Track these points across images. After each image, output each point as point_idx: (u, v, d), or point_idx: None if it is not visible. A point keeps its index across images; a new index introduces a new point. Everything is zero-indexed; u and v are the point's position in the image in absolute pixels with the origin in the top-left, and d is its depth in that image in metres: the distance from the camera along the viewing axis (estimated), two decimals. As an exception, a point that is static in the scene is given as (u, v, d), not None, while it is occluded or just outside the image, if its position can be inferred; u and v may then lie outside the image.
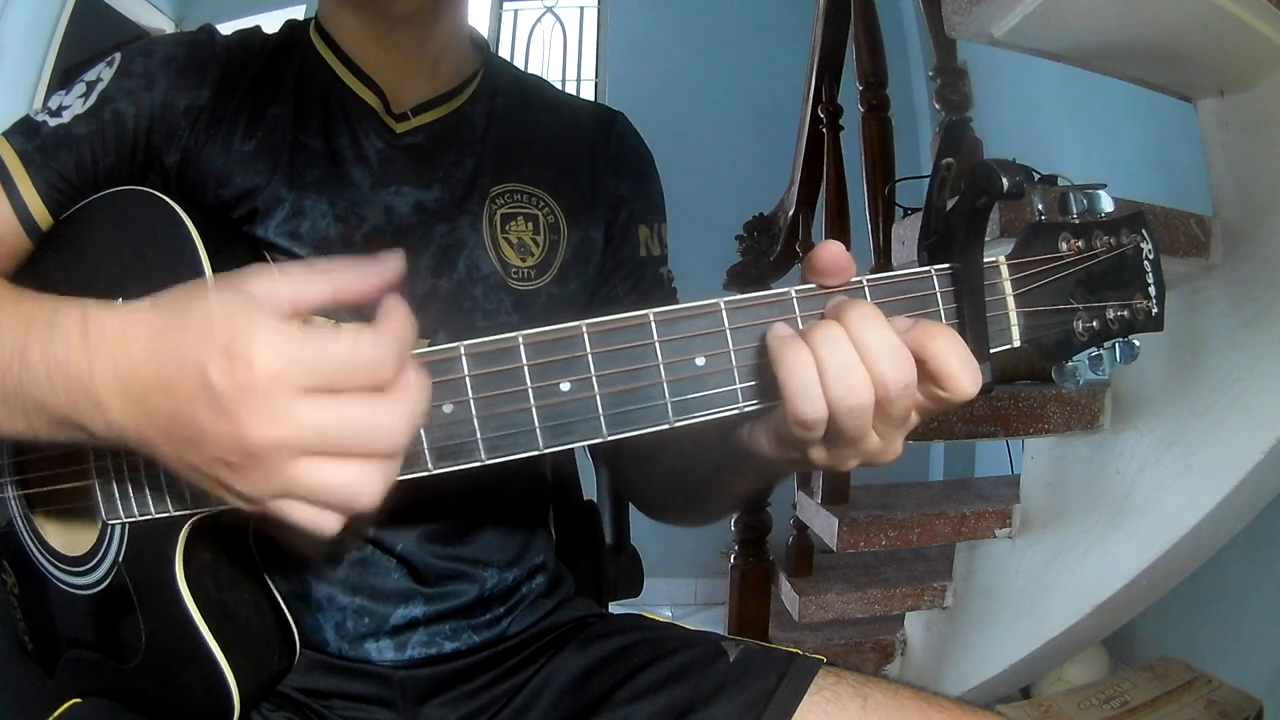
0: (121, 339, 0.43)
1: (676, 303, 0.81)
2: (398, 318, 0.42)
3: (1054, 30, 1.19)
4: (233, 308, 0.40)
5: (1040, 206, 0.51)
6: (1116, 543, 1.47)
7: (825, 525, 1.67)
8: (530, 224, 0.75)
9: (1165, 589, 1.55)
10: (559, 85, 0.86)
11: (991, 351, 0.49)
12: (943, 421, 1.51)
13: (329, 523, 0.42)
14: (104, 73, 0.68)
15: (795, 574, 1.84)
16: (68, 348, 0.45)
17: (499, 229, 0.73)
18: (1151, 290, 0.52)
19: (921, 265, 0.50)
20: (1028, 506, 1.66)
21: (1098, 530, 1.50)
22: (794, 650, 0.69)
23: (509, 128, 0.77)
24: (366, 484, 0.41)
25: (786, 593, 1.83)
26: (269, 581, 0.65)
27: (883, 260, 1.70)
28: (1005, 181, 0.45)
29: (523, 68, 0.86)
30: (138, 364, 0.42)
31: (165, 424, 0.42)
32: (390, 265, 0.44)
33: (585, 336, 0.47)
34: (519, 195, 0.75)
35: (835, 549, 1.67)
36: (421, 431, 0.47)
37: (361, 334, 0.40)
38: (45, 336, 0.46)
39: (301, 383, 0.40)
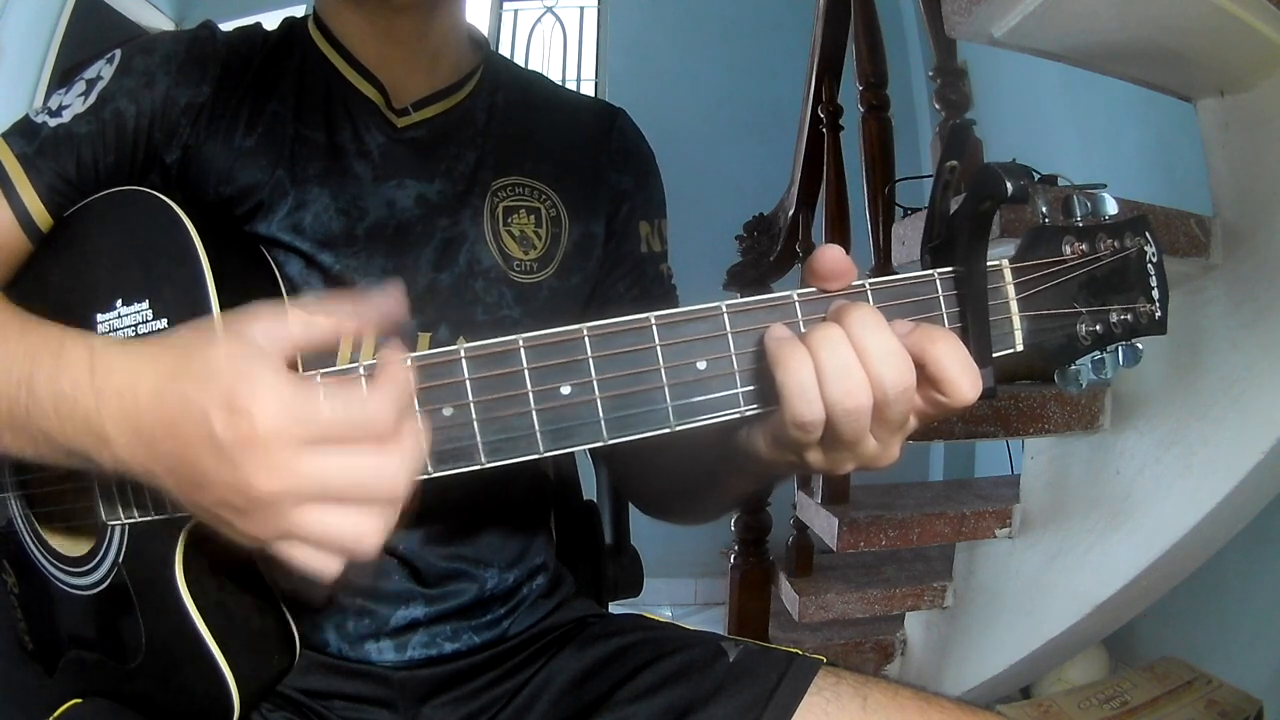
0: (129, 379, 0.45)
1: (676, 300, 0.82)
2: (395, 371, 0.44)
3: (1054, 30, 1.19)
4: (237, 359, 0.42)
5: (1044, 209, 0.51)
6: (1116, 543, 1.47)
7: (825, 525, 1.67)
8: (532, 217, 0.75)
9: (1165, 589, 1.55)
10: (561, 85, 0.86)
11: (994, 355, 0.49)
12: (943, 422, 1.50)
13: (330, 566, 0.44)
14: (104, 71, 0.68)
15: (795, 574, 1.84)
16: (75, 384, 0.46)
17: (500, 222, 0.73)
18: (1155, 293, 0.51)
19: (924, 268, 0.50)
20: (1028, 506, 1.65)
21: (1098, 530, 1.50)
22: (794, 650, 0.69)
23: (510, 122, 0.77)
24: (366, 531, 0.43)
25: (786, 593, 1.83)
26: (269, 582, 0.65)
27: (883, 260, 1.70)
28: (1009, 186, 0.45)
29: (524, 66, 0.86)
30: (145, 406, 0.44)
31: (172, 465, 0.44)
32: (389, 298, 0.45)
33: (586, 340, 0.47)
34: (521, 188, 0.75)
35: (835, 549, 1.67)
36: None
37: (360, 391, 0.43)
38: (52, 370, 0.47)
39: (302, 437, 0.41)
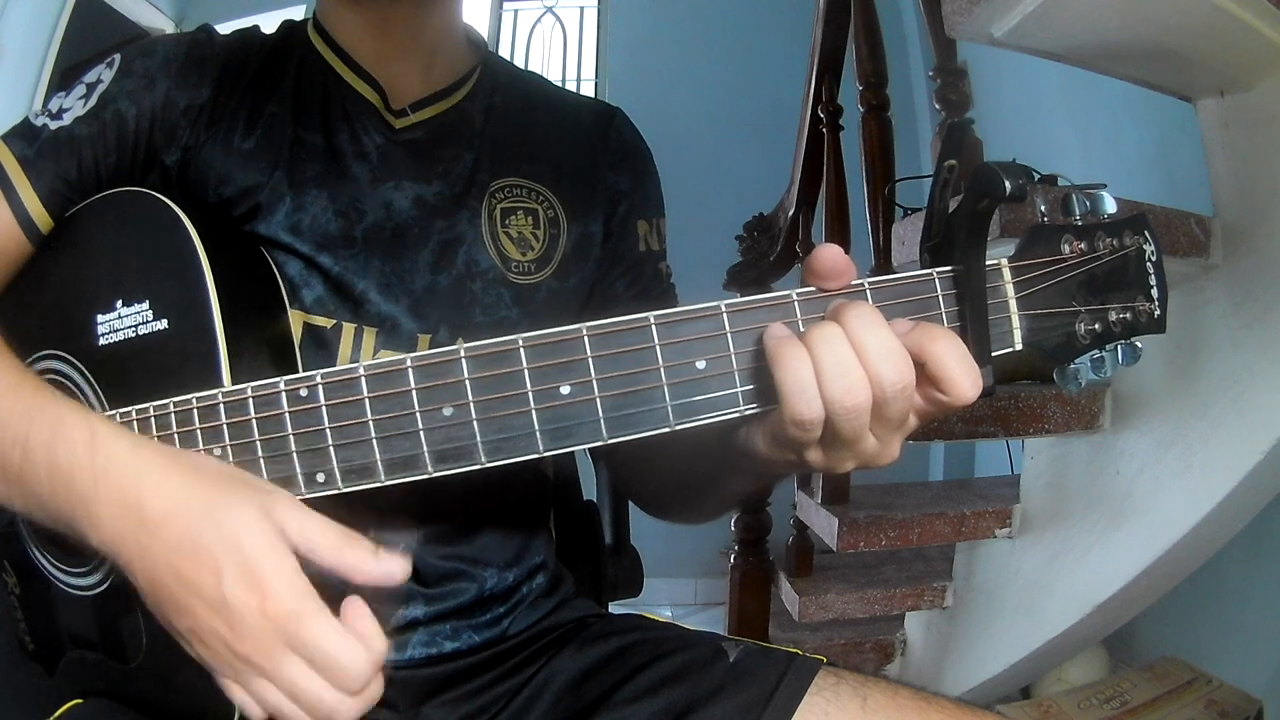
0: (134, 482, 0.47)
1: (675, 299, 0.82)
2: (379, 641, 0.48)
3: (1054, 30, 1.19)
4: (265, 539, 0.46)
5: (1043, 208, 0.51)
6: (1116, 543, 1.46)
7: (825, 525, 1.67)
8: (530, 218, 0.75)
9: (1165, 589, 1.55)
10: (559, 85, 0.86)
11: (993, 354, 0.49)
12: (943, 421, 1.50)
13: (294, 715, 0.47)
14: (104, 74, 0.68)
15: (795, 574, 1.84)
16: (72, 461, 0.48)
17: (498, 223, 0.73)
18: (1154, 292, 0.51)
19: (923, 267, 0.50)
20: (1028, 506, 1.65)
21: (1098, 530, 1.50)
22: (794, 650, 0.69)
23: (508, 123, 0.77)
24: (336, 707, 0.47)
25: (786, 593, 1.83)
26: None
27: (883, 260, 1.70)
28: (1007, 184, 0.45)
29: (522, 67, 0.87)
30: (150, 519, 0.47)
31: (160, 585, 0.47)
32: (396, 571, 0.49)
33: (585, 339, 0.47)
34: (518, 190, 0.75)
35: (835, 549, 1.66)
36: (421, 434, 0.47)
37: (359, 649, 0.46)
38: (48, 439, 0.49)
39: (291, 642, 0.45)
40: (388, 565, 0.48)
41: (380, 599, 0.71)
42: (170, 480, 0.47)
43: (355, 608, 0.48)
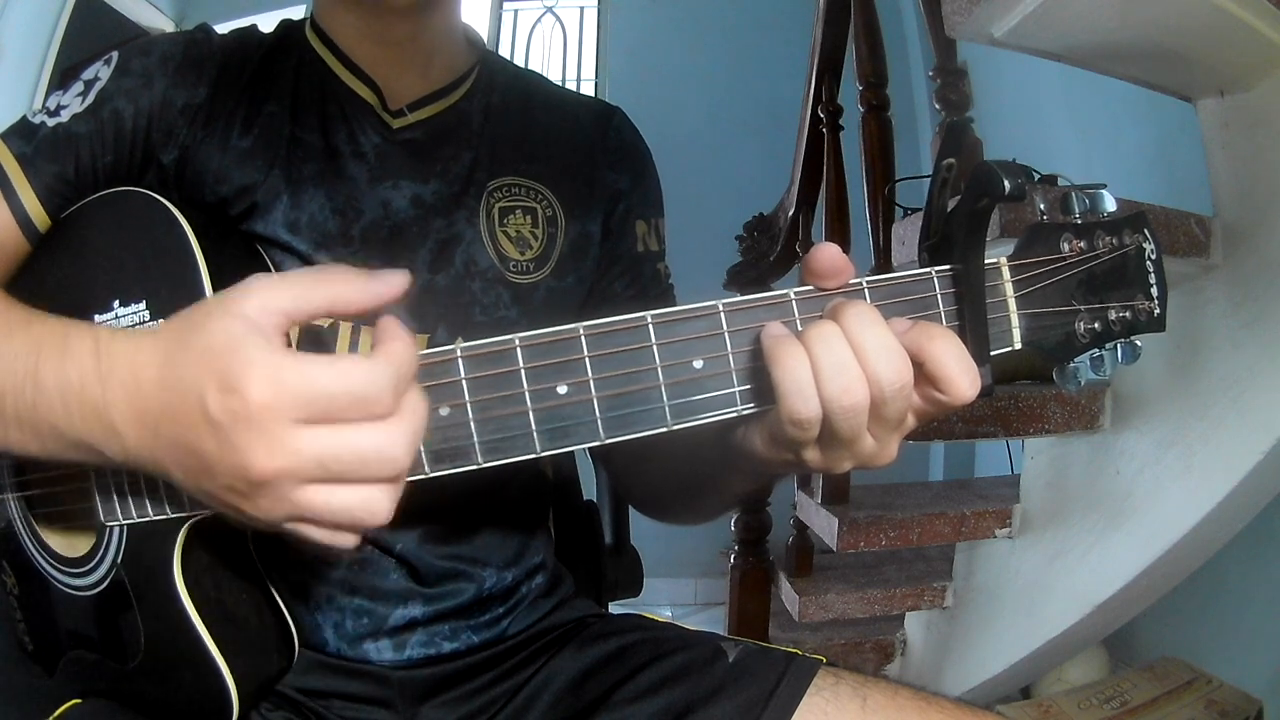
0: (132, 366, 0.44)
1: (673, 299, 0.82)
2: (396, 343, 0.42)
3: (1054, 30, 1.19)
4: (229, 335, 0.41)
5: (1042, 207, 0.51)
6: (1116, 543, 1.46)
7: (825, 525, 1.67)
8: (529, 217, 0.75)
9: (1165, 589, 1.55)
10: (558, 84, 0.86)
11: (992, 353, 0.48)
12: (942, 421, 1.50)
13: (345, 540, 0.43)
14: (101, 72, 0.68)
15: (795, 574, 1.84)
16: (81, 374, 0.45)
17: (497, 223, 0.73)
18: (1154, 291, 0.51)
19: (922, 267, 0.50)
20: (1028, 506, 1.65)
21: (1098, 530, 1.50)
22: (793, 650, 0.69)
23: (506, 123, 0.77)
24: (374, 506, 0.42)
25: (786, 593, 1.83)
26: (268, 581, 0.65)
27: (883, 260, 1.70)
28: (1006, 183, 0.45)
29: (521, 66, 0.86)
30: (147, 392, 0.43)
31: (176, 453, 0.43)
32: (393, 281, 0.44)
33: (583, 339, 0.46)
34: (517, 189, 0.75)
35: (835, 549, 1.67)
36: (420, 434, 0.47)
37: (357, 364, 0.40)
38: (58, 361, 0.46)
39: (296, 415, 0.40)
40: (383, 283, 0.44)
41: (380, 597, 0.71)
42: (157, 344, 0.43)
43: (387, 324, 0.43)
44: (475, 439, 0.46)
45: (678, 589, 3.18)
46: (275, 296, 0.42)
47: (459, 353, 0.46)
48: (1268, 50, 1.20)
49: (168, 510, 0.55)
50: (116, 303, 0.59)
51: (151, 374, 0.43)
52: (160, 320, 0.57)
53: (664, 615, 0.81)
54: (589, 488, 1.07)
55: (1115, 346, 0.51)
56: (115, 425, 0.44)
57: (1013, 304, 0.50)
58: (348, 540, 0.44)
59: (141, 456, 0.45)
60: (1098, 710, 1.59)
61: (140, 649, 0.60)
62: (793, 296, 0.48)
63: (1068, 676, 1.80)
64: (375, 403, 0.40)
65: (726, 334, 0.47)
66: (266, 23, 0.77)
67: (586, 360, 0.46)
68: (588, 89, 3.60)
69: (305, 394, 0.40)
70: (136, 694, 0.63)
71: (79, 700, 0.64)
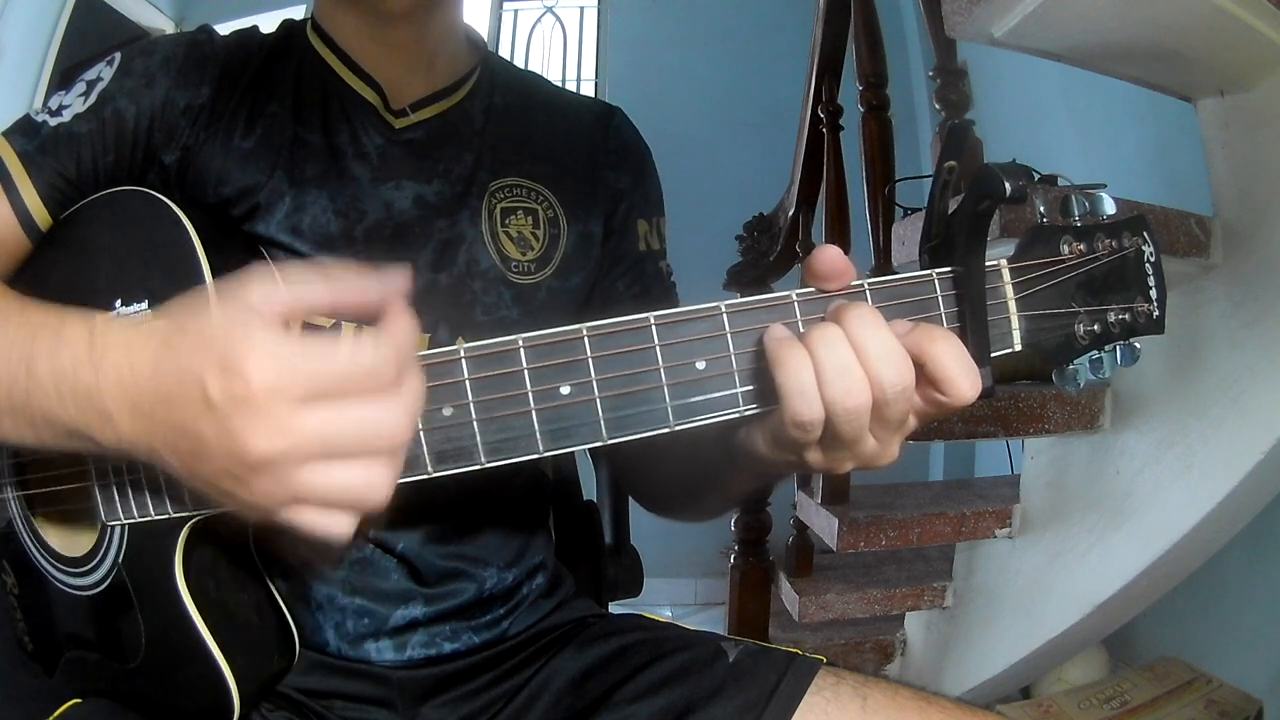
0: (127, 352, 0.44)
1: (675, 298, 0.82)
2: (398, 323, 0.42)
3: (1054, 30, 1.19)
4: (229, 320, 0.41)
5: (1042, 209, 0.51)
6: (1116, 543, 1.47)
7: (825, 525, 1.67)
8: (530, 218, 0.75)
9: (1165, 589, 1.55)
10: (558, 85, 0.86)
11: (992, 355, 0.49)
12: (942, 421, 1.50)
13: (342, 524, 0.43)
14: (104, 72, 0.68)
15: (795, 574, 1.84)
16: (75, 360, 0.45)
17: (498, 223, 0.73)
18: (1153, 293, 0.52)
19: (923, 268, 0.50)
20: (1028, 506, 1.66)
21: (1098, 530, 1.50)
22: (794, 650, 0.69)
23: (508, 123, 0.78)
24: (373, 482, 0.42)
25: (786, 593, 1.83)
26: (269, 582, 0.65)
27: (883, 260, 1.70)
28: (1008, 186, 0.45)
29: (522, 67, 0.87)
30: (143, 377, 0.43)
31: (171, 438, 0.43)
32: (395, 279, 0.44)
33: (585, 340, 0.47)
34: (518, 189, 0.75)
35: (835, 549, 1.67)
36: (421, 434, 0.47)
37: (359, 344, 0.41)
38: (51, 348, 0.46)
39: (298, 394, 0.40)
40: (384, 281, 0.44)
41: (381, 597, 0.71)
42: (154, 330, 0.43)
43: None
44: (478, 439, 0.46)
45: (678, 589, 3.18)
46: (276, 288, 0.42)
47: (462, 353, 0.46)
48: (1268, 50, 1.20)
49: (169, 509, 0.55)
50: (119, 302, 0.59)
51: (147, 358, 0.43)
52: (161, 319, 0.57)
53: (664, 615, 0.81)
54: (589, 488, 1.07)
55: (1114, 348, 0.51)
56: (109, 411, 0.44)
57: (1013, 306, 0.50)
58: (344, 526, 0.43)
59: (136, 443, 0.44)
60: (1098, 710, 1.59)
61: (141, 649, 0.60)
62: (795, 298, 0.48)
63: (1068, 676, 1.81)
64: (380, 376, 0.41)
65: (729, 335, 0.47)
66: (267, 23, 0.77)
67: (590, 361, 0.47)
68: (588, 89, 3.60)
69: (307, 374, 0.40)
70: (137, 694, 0.63)
71: (79, 700, 0.64)
